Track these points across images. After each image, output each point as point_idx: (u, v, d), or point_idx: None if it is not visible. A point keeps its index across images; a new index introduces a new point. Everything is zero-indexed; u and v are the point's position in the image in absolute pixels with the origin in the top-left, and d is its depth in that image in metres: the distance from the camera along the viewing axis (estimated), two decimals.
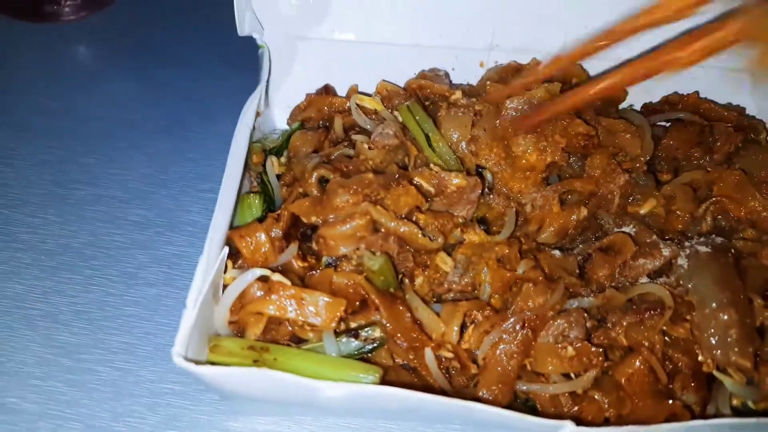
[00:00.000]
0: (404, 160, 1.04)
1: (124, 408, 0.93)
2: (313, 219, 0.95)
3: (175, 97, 1.44)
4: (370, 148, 1.03)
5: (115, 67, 1.53)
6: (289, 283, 0.85)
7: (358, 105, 1.10)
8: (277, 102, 1.22)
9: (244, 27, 1.10)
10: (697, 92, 1.19)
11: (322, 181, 0.97)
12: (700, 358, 0.86)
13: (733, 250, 0.93)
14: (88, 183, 1.24)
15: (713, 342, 0.84)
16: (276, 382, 0.73)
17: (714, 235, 0.96)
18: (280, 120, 1.22)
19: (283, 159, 1.10)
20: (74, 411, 0.92)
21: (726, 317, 0.84)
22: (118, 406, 0.94)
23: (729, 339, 0.83)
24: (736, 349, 0.83)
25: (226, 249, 0.87)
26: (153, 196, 1.24)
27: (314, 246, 0.91)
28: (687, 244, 0.95)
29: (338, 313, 0.84)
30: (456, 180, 0.95)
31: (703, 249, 0.92)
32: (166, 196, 1.24)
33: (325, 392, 0.73)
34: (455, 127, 1.02)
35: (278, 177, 1.07)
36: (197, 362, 0.73)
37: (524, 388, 0.87)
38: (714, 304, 0.86)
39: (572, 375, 0.88)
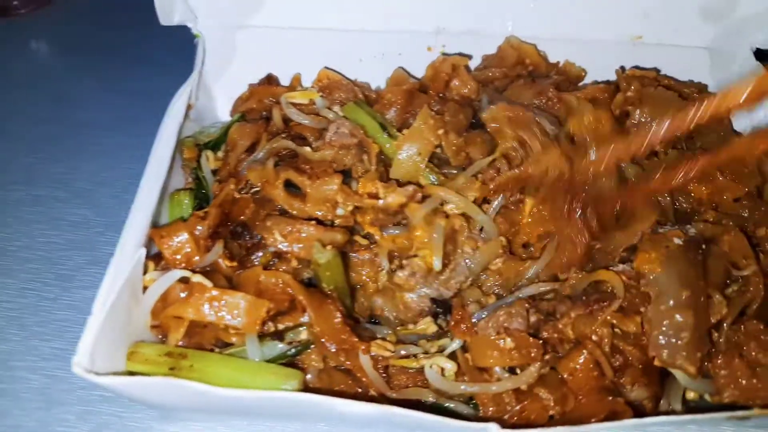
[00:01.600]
0: (362, 158, 0.99)
1: (53, 417, 0.89)
2: (246, 214, 0.90)
3: (126, 95, 1.39)
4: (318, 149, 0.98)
5: (64, 65, 1.49)
6: (209, 284, 0.80)
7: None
8: (220, 93, 1.17)
9: (171, 16, 1.04)
10: (657, 69, 1.13)
11: (289, 185, 0.92)
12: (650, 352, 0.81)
13: (704, 246, 0.87)
14: (27, 184, 1.20)
15: (662, 341, 0.78)
16: (186, 391, 0.69)
17: (689, 226, 0.90)
18: (223, 112, 1.17)
19: (220, 153, 1.05)
20: (1, 423, 0.88)
21: (681, 319, 0.78)
22: (47, 416, 0.89)
23: (679, 342, 0.78)
24: (684, 353, 0.77)
25: (143, 250, 0.82)
26: (95, 195, 1.20)
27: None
28: (660, 230, 0.89)
29: (261, 315, 0.79)
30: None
31: (676, 241, 0.85)
32: (108, 195, 1.20)
33: (240, 401, 0.69)
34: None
35: (214, 172, 1.02)
36: (98, 373, 0.69)
37: (464, 388, 0.82)
38: (672, 302, 0.80)
39: (518, 371, 0.83)
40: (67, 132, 1.30)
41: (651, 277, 0.82)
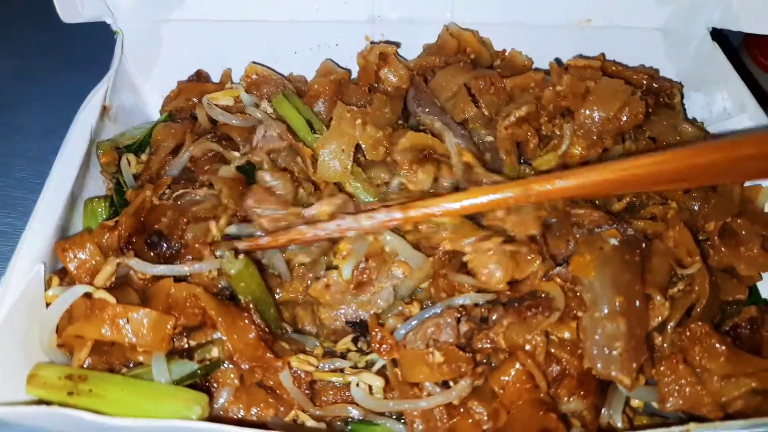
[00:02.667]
0: (296, 159, 0.93)
1: None
2: (163, 221, 0.85)
3: (63, 98, 1.30)
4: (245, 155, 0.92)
5: (1, 68, 1.42)
6: (112, 299, 0.74)
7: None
8: (151, 92, 1.10)
9: (78, 12, 0.97)
10: (603, 54, 1.06)
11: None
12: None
13: (644, 245, 0.81)
14: None
15: (595, 351, 0.73)
16: (76, 421, 0.64)
17: (627, 225, 0.83)
18: (155, 111, 1.11)
19: (144, 156, 0.99)
20: None
21: (614, 327, 0.73)
22: None
23: (613, 352, 0.72)
24: (617, 364, 0.72)
25: (41, 266, 0.76)
26: (24, 203, 1.15)
27: None
28: (597, 230, 0.83)
29: (166, 333, 0.73)
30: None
31: (611, 242, 0.80)
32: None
33: (135, 430, 0.63)
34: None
35: (137, 177, 0.96)
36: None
37: (392, 405, 0.76)
38: (606, 310, 0.74)
39: (451, 383, 0.78)
40: (1, 139, 1.25)
41: (585, 282, 0.76)
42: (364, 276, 0.83)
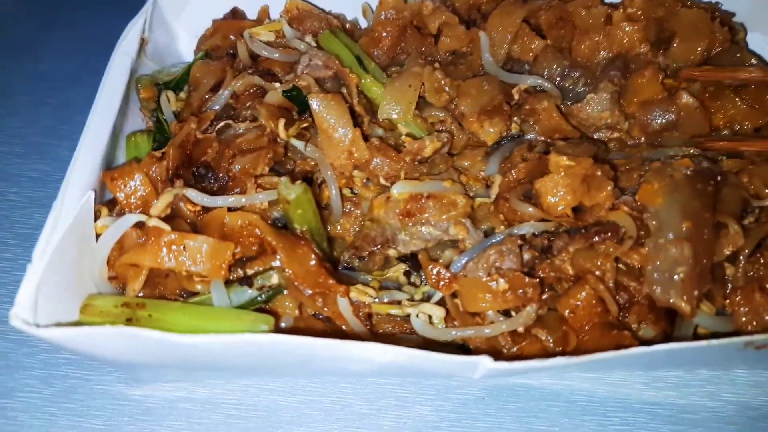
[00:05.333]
0: (341, 91, 0.90)
1: (16, 382, 0.83)
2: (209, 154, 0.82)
3: (88, 43, 1.29)
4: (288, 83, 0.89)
5: (24, 13, 1.40)
6: (167, 227, 0.72)
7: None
8: (182, 31, 1.07)
9: None
10: None
11: None
12: None
13: (719, 177, 0.78)
14: None
15: (656, 276, 0.70)
16: (140, 340, 0.61)
17: (702, 157, 0.81)
18: (187, 51, 1.08)
19: (183, 94, 0.96)
20: None
21: (678, 252, 0.70)
22: (9, 381, 0.83)
23: (674, 276, 0.70)
24: (677, 290, 0.69)
25: (91, 193, 0.74)
26: (55, 150, 1.12)
27: None
28: (668, 154, 0.81)
29: (226, 259, 0.71)
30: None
31: (683, 170, 0.77)
32: (69, 149, 1.09)
33: (203, 348, 0.61)
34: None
35: (177, 115, 0.93)
36: (39, 325, 0.61)
37: (455, 333, 0.74)
38: (671, 235, 0.72)
39: (513, 313, 0.76)
40: (24, 84, 1.22)
41: (652, 210, 0.74)
42: (417, 205, 0.80)
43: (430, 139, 0.85)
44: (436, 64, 0.91)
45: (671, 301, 0.70)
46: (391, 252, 0.80)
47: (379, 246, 0.79)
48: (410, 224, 0.78)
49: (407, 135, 0.89)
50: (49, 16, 1.37)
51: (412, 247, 0.80)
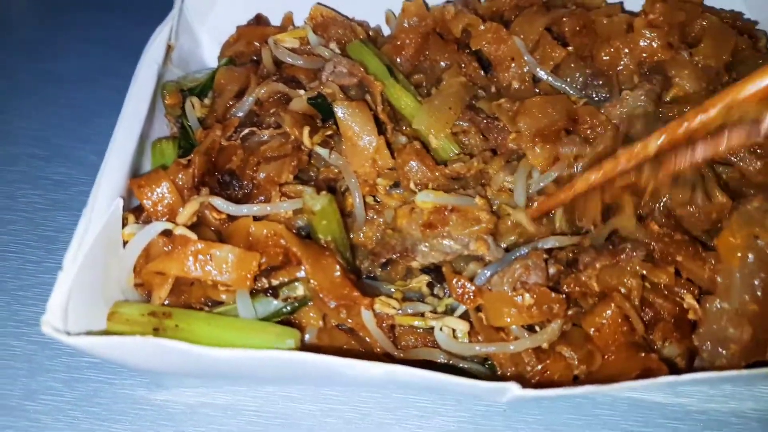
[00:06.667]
0: (366, 98, 0.91)
1: (40, 385, 0.83)
2: (234, 161, 0.82)
3: (103, 45, 1.31)
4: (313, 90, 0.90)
5: (38, 14, 1.40)
6: (193, 236, 0.72)
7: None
8: (206, 37, 1.08)
9: None
10: None
11: None
12: (685, 304, 0.73)
13: None
14: (3, 142, 1.12)
15: (708, 342, 0.71)
16: (167, 351, 0.62)
17: None
18: (211, 57, 1.08)
19: (207, 100, 0.96)
20: None
21: (736, 333, 0.70)
22: (32, 383, 0.83)
23: (724, 351, 0.70)
24: (724, 360, 0.70)
25: (119, 201, 0.74)
26: (76, 152, 1.12)
27: None
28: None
29: (252, 269, 0.71)
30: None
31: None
32: (91, 152, 1.12)
33: (229, 362, 0.62)
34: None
35: (201, 121, 0.93)
36: (70, 333, 0.61)
37: (479, 349, 0.74)
38: (733, 310, 0.70)
39: (537, 328, 0.76)
40: (41, 86, 1.22)
41: (725, 266, 0.72)
42: (441, 217, 0.80)
43: (472, 163, 0.85)
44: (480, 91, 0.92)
45: (716, 364, 0.70)
46: (414, 263, 0.80)
47: (398, 254, 0.79)
48: (431, 236, 0.78)
49: (436, 148, 0.89)
50: (63, 18, 1.37)
51: (431, 259, 0.80)
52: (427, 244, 0.79)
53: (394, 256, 0.80)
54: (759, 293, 0.70)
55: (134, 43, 1.29)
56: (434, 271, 0.81)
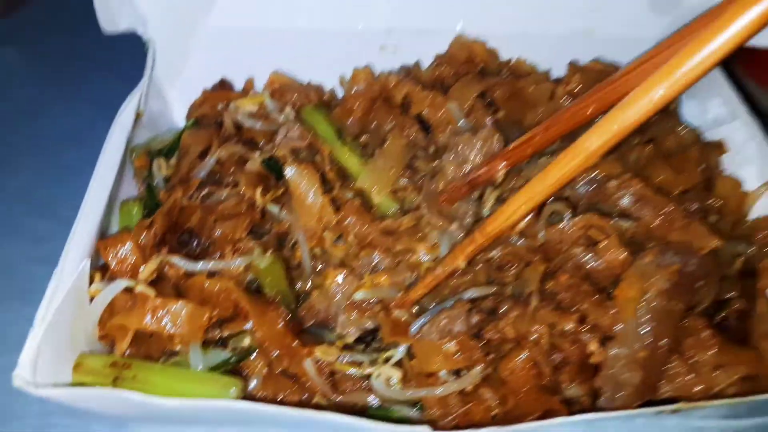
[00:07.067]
0: (315, 159, 1.00)
1: (13, 428, 0.90)
2: (192, 221, 0.91)
3: (90, 105, 1.37)
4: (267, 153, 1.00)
5: (29, 73, 1.48)
6: (152, 293, 0.81)
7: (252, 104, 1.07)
8: (176, 99, 1.17)
9: (116, 22, 1.04)
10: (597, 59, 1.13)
11: None
12: (589, 349, 0.81)
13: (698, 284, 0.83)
14: None
15: (608, 386, 0.79)
16: (126, 401, 0.70)
17: (692, 257, 0.83)
18: (180, 117, 1.17)
19: (173, 160, 1.05)
20: None
21: (630, 377, 0.77)
22: (3, 428, 0.90)
23: (619, 393, 0.77)
24: (620, 401, 0.78)
25: (87, 261, 0.83)
26: (57, 208, 1.18)
27: None
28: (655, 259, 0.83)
29: (203, 324, 0.80)
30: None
31: (664, 284, 0.80)
32: (71, 207, 1.17)
33: (179, 410, 0.70)
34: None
35: (168, 179, 1.03)
36: (38, 385, 0.70)
37: (411, 394, 0.83)
38: (627, 356, 0.77)
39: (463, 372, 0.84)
40: (26, 143, 1.29)
41: (622, 316, 0.80)
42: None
43: (402, 220, 0.94)
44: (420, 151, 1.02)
45: (614, 405, 0.78)
46: (335, 334, 0.88)
47: (320, 321, 0.89)
48: (354, 313, 0.87)
49: (377, 204, 0.98)
50: (53, 77, 1.44)
51: (346, 331, 0.87)
52: (347, 317, 0.87)
53: (314, 321, 0.89)
54: (649, 342, 0.78)
55: (118, 103, 1.39)
56: (371, 332, 0.89)
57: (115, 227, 0.96)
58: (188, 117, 1.15)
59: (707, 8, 0.88)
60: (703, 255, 0.85)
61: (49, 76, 1.46)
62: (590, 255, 0.86)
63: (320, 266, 0.95)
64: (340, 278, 0.90)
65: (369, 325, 0.87)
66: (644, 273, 0.81)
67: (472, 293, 0.86)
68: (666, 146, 1.02)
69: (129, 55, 1.43)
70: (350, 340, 0.86)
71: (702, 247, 0.87)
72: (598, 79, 0.99)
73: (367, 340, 0.89)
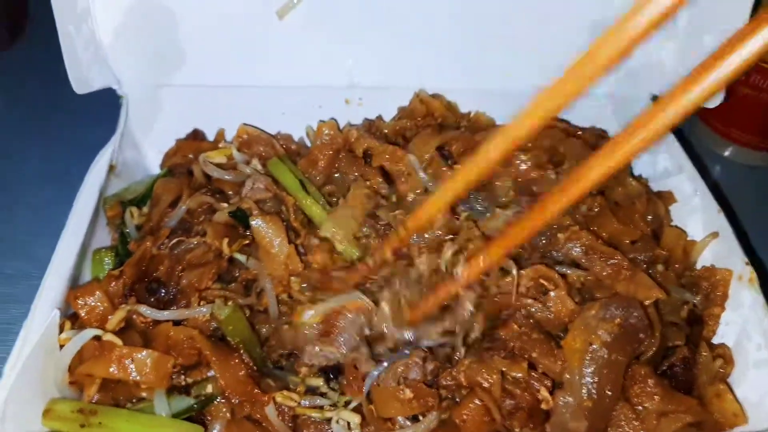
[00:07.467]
0: (281, 208, 1.05)
1: None
2: (161, 270, 0.95)
3: (67, 146, 1.42)
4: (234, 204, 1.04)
5: (8, 115, 1.52)
6: (119, 342, 0.84)
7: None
8: (150, 148, 1.22)
9: (89, 83, 1.09)
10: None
11: None
12: (539, 395, 0.86)
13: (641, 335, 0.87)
14: None
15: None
16: None
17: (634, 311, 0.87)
18: (154, 166, 1.22)
19: (146, 208, 1.09)
20: None
21: (576, 426, 0.82)
22: None
23: None
24: None
25: (56, 312, 0.86)
26: (32, 247, 1.22)
27: None
28: (600, 312, 0.87)
29: (166, 371, 0.83)
30: None
31: (606, 337, 0.84)
32: (46, 246, 1.21)
33: None
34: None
35: (140, 228, 1.06)
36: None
37: None
38: (573, 406, 0.82)
39: (420, 417, 0.88)
40: (2, 185, 1.34)
41: (569, 366, 0.85)
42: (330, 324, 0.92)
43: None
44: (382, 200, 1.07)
45: None
46: (303, 367, 0.92)
47: (288, 352, 0.92)
48: (325, 342, 0.91)
49: (341, 251, 1.02)
50: (32, 121, 1.49)
51: (315, 361, 0.91)
52: (317, 347, 0.91)
53: (284, 352, 0.92)
54: (594, 392, 0.83)
55: (96, 147, 1.42)
56: (333, 368, 0.93)
57: (87, 275, 0.99)
58: (162, 165, 1.19)
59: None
60: (645, 307, 0.90)
61: (29, 120, 1.51)
62: (540, 305, 0.90)
63: (286, 311, 0.98)
64: (307, 314, 0.93)
65: (333, 356, 0.91)
66: (588, 325, 0.86)
67: (428, 342, 0.90)
68: (615, 197, 1.08)
69: (106, 97, 1.50)
70: (315, 370, 0.90)
71: (646, 297, 0.92)
72: (555, 137, 1.06)
73: (332, 374, 0.93)
